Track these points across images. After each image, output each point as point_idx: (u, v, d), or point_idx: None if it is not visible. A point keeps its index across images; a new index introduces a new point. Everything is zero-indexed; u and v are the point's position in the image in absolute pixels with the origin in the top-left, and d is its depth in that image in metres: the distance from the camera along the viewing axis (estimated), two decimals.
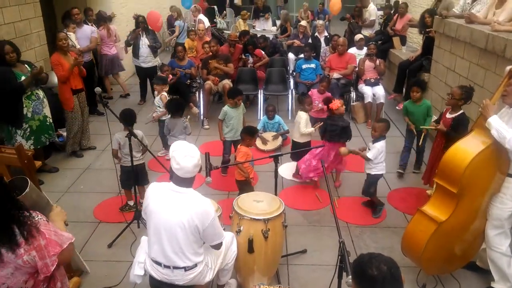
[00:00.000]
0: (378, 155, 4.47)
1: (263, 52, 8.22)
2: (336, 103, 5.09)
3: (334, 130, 5.00)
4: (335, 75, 7.38)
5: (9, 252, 2.05)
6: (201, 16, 10.40)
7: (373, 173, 4.56)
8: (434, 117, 5.04)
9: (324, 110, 6.04)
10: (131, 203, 4.74)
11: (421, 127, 5.02)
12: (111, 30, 8.06)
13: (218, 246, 2.92)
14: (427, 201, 3.54)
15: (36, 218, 2.16)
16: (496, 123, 3.08)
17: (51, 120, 5.52)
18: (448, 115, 4.56)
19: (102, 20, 7.99)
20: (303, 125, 5.26)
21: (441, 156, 4.39)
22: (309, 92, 6.63)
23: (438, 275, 3.70)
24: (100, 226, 4.51)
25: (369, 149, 4.54)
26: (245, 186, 4.48)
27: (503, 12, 5.25)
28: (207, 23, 10.10)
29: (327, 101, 5.31)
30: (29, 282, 2.18)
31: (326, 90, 6.32)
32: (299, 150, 5.23)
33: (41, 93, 5.37)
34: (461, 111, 4.51)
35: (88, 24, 7.68)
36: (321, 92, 6.20)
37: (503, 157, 3.20)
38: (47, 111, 5.45)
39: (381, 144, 4.47)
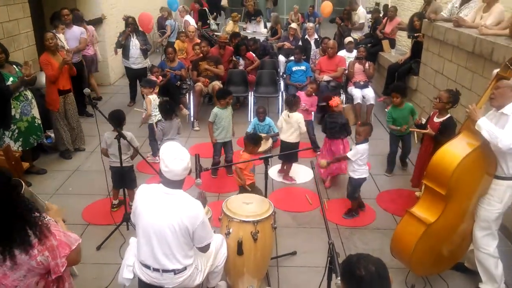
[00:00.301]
0: (359, 156, 4.45)
1: (254, 55, 8.23)
2: (336, 100, 5.28)
3: (334, 128, 5.23)
4: (325, 77, 7.41)
5: (23, 253, 2.03)
6: (188, 17, 10.32)
7: (356, 176, 4.55)
8: (423, 119, 5.07)
9: (309, 112, 6.05)
10: (116, 202, 4.77)
11: (410, 129, 5.04)
12: (88, 31, 7.99)
13: (205, 249, 2.90)
14: (416, 202, 3.56)
15: (46, 219, 2.15)
16: (485, 124, 3.11)
17: (39, 121, 5.47)
18: (436, 119, 4.58)
19: (79, 20, 7.90)
20: (303, 125, 5.32)
21: (429, 160, 4.46)
22: (297, 94, 6.66)
23: (426, 276, 3.73)
24: (89, 228, 4.48)
25: (350, 149, 4.57)
26: (244, 191, 4.48)
27: (490, 16, 5.33)
28: (193, 24, 10.05)
29: (326, 99, 5.54)
30: (40, 283, 2.17)
31: (315, 93, 6.34)
32: (292, 151, 5.25)
33: (29, 94, 5.33)
34: (448, 115, 4.53)
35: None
36: (308, 95, 6.22)
37: (490, 159, 3.24)
38: (35, 112, 5.40)
39: (363, 147, 4.45)
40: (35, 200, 2.68)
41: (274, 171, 5.68)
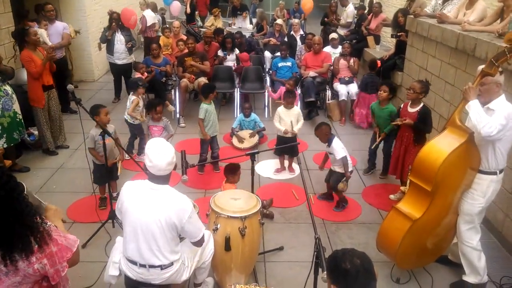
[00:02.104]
0: (342, 151, 4.54)
1: (248, 56, 8.15)
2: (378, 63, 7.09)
3: (373, 86, 6.68)
4: (311, 73, 7.43)
5: (21, 260, 1.98)
6: (147, 12, 9.87)
7: (342, 171, 4.62)
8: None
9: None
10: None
11: (392, 123, 5.04)
12: None
13: (200, 243, 2.89)
14: (402, 197, 3.60)
15: (48, 224, 2.10)
16: (476, 106, 3.12)
17: (20, 117, 5.40)
18: (411, 110, 4.67)
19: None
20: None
21: (412, 149, 4.53)
22: (278, 93, 6.65)
23: (411, 270, 3.77)
24: (74, 226, 4.42)
25: (331, 154, 4.63)
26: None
27: (473, 12, 5.40)
28: (151, 20, 9.64)
29: (373, 64, 7.10)
30: None
31: (295, 89, 6.34)
32: (283, 146, 5.29)
33: (9, 89, 5.24)
34: (422, 104, 4.65)
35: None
36: (287, 91, 6.04)
37: (474, 154, 3.27)
38: (16, 107, 5.32)
39: (336, 143, 4.55)
40: (34, 201, 2.61)
41: (260, 167, 5.69)
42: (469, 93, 3.20)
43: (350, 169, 4.62)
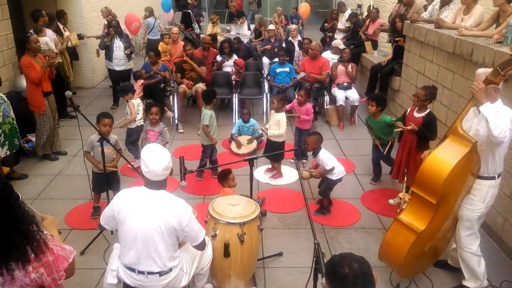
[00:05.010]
0: (330, 161, 4.58)
1: (243, 62, 8.17)
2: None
3: None
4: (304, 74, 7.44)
5: (17, 269, 1.96)
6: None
7: (334, 178, 4.63)
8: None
9: (304, 121, 5.78)
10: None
11: (395, 130, 5.01)
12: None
13: (201, 246, 2.88)
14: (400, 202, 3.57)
15: (44, 233, 2.08)
16: (492, 110, 3.07)
17: (15, 123, 5.40)
18: (417, 115, 4.64)
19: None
20: (283, 126, 5.39)
21: (415, 154, 4.52)
22: (290, 104, 6.10)
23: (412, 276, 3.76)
24: (72, 233, 4.41)
25: (319, 165, 4.65)
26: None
27: (470, 18, 5.42)
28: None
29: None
30: None
31: (309, 100, 6.04)
32: (276, 153, 5.28)
33: (4, 96, 5.25)
34: (428, 110, 4.63)
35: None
36: (301, 103, 5.77)
37: (476, 160, 3.24)
38: (12, 113, 5.33)
39: (323, 154, 4.60)
40: (29, 210, 2.59)
41: (260, 172, 5.69)
42: (481, 95, 3.09)
43: (339, 177, 4.63)
